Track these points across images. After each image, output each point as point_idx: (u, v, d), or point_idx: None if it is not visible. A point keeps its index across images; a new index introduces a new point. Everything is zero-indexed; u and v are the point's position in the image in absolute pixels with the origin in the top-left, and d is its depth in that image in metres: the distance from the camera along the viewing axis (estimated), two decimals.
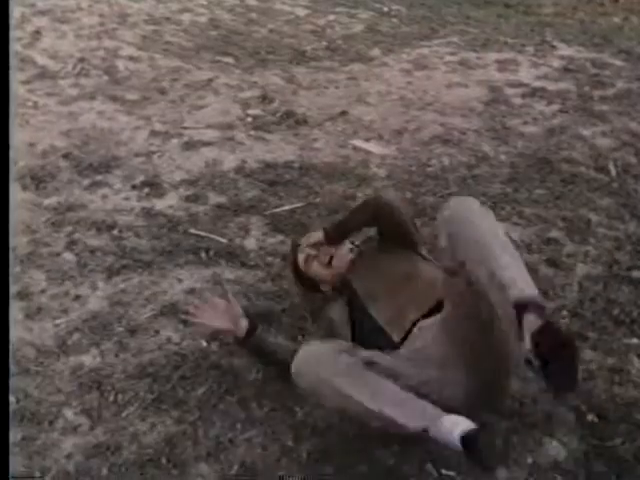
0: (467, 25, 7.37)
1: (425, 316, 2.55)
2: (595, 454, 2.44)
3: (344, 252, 2.95)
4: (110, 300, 3.23)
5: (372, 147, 4.63)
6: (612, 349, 2.92)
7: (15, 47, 5.91)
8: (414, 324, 2.55)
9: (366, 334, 2.68)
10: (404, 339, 2.54)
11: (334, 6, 7.84)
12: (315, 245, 2.95)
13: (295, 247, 3.06)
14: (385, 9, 7.81)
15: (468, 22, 7.49)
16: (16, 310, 3.10)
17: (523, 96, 5.46)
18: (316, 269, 2.96)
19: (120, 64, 5.93)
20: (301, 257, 3.00)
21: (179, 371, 2.85)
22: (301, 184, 4.16)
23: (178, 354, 2.93)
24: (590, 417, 2.58)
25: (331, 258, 2.92)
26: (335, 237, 2.92)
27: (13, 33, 6.03)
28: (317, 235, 2.97)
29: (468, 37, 6.94)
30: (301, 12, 7.60)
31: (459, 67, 6.11)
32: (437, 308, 2.53)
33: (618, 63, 6.18)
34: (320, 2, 7.92)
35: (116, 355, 2.93)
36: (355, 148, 4.60)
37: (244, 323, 2.68)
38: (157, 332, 3.05)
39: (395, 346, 2.54)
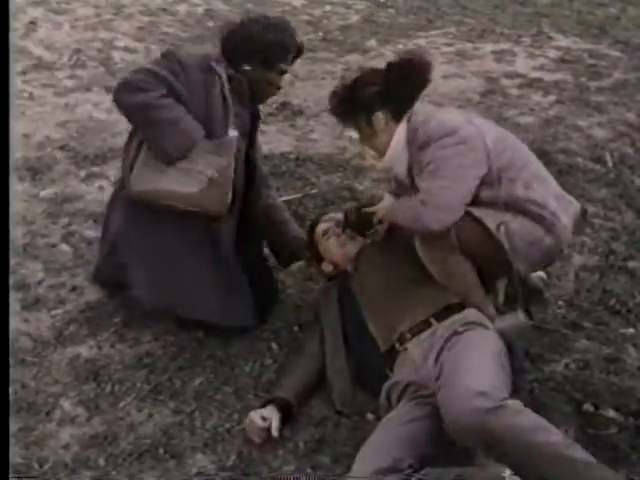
0: (464, 16, 7.35)
1: (414, 330, 2.56)
2: (591, 443, 2.45)
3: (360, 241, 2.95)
4: (107, 291, 3.23)
5: None
6: (608, 339, 2.93)
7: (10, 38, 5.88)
8: (401, 339, 2.55)
9: (355, 334, 2.70)
10: (391, 359, 2.55)
11: None
12: (340, 225, 2.95)
13: (317, 219, 3.10)
14: (381, 0, 7.80)
15: (464, 13, 7.47)
16: (13, 301, 3.10)
17: (520, 87, 5.46)
18: (331, 245, 2.95)
19: (116, 55, 5.91)
20: (322, 226, 3.01)
21: (176, 362, 2.86)
22: (297, 175, 4.16)
23: (175, 345, 2.93)
24: (586, 406, 2.59)
25: (351, 239, 2.93)
26: (352, 228, 2.93)
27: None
28: (339, 216, 3.00)
29: (465, 28, 6.92)
30: (297, 2, 7.57)
31: (455, 58, 6.09)
32: (427, 323, 2.55)
33: (615, 54, 6.17)
34: None
35: (113, 346, 2.94)
36: (352, 139, 4.59)
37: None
38: (154, 323, 3.05)
39: (381, 359, 2.57)
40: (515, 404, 2.17)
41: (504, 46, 6.33)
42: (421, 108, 2.73)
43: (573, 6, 7.74)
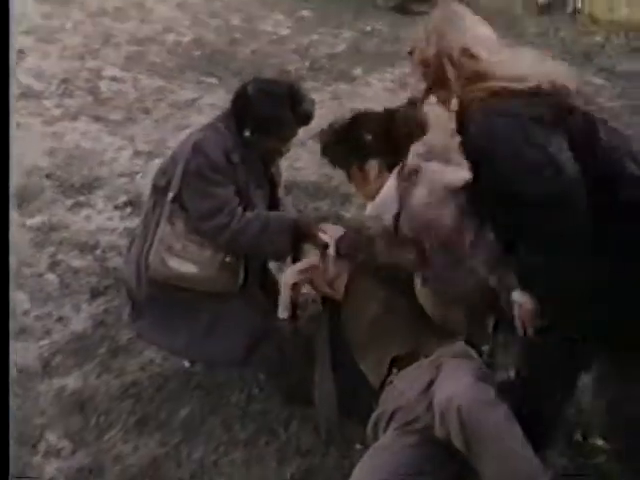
0: None
1: (401, 364, 2.51)
2: (580, 472, 2.44)
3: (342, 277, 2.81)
4: (93, 321, 3.22)
5: None
6: None
7: None
8: (389, 373, 2.51)
9: (344, 364, 2.66)
10: (378, 393, 2.51)
11: (317, 26, 7.87)
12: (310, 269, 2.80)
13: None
14: (368, 29, 7.85)
15: None
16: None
17: None
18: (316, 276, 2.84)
19: (103, 84, 5.93)
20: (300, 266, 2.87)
21: (162, 392, 2.84)
22: None
23: (161, 375, 2.92)
24: (576, 436, 2.58)
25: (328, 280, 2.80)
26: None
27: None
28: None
29: None
30: (285, 32, 7.63)
31: None
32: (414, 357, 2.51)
33: (599, 81, 6.23)
34: (303, 22, 7.95)
35: (99, 376, 2.92)
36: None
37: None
38: (140, 353, 3.04)
39: (368, 390, 2.54)
40: (506, 407, 2.18)
41: None
42: (412, 160, 2.68)
43: (559, 35, 7.83)
